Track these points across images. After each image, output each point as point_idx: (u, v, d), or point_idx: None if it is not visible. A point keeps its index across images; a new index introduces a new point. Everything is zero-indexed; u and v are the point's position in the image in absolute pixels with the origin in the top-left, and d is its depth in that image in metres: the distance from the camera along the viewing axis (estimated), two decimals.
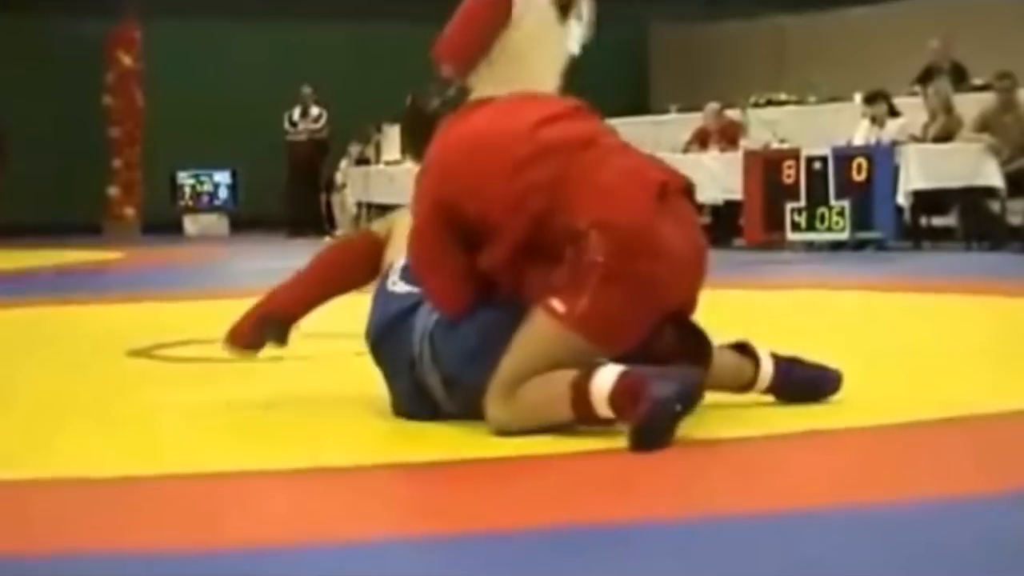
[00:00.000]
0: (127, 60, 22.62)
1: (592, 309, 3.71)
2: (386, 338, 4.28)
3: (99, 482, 3.51)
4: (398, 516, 3.21)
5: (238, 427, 4.28)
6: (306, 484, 3.49)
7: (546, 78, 4.44)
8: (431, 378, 4.03)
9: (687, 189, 3.97)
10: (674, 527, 2.94)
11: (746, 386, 4.18)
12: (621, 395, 3.59)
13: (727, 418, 4.06)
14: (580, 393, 3.65)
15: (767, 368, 4.15)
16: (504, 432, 3.77)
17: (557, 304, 3.74)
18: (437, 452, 3.71)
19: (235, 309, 4.85)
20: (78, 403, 4.88)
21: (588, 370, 3.67)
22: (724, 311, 5.14)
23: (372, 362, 4.38)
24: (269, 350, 4.83)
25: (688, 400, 3.59)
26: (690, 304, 4.00)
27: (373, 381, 4.31)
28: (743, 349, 4.18)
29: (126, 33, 22.55)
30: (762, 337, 4.33)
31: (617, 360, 3.73)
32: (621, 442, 3.58)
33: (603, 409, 3.64)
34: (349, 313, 4.70)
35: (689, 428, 3.65)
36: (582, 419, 3.69)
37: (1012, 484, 3.29)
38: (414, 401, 4.13)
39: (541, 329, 3.78)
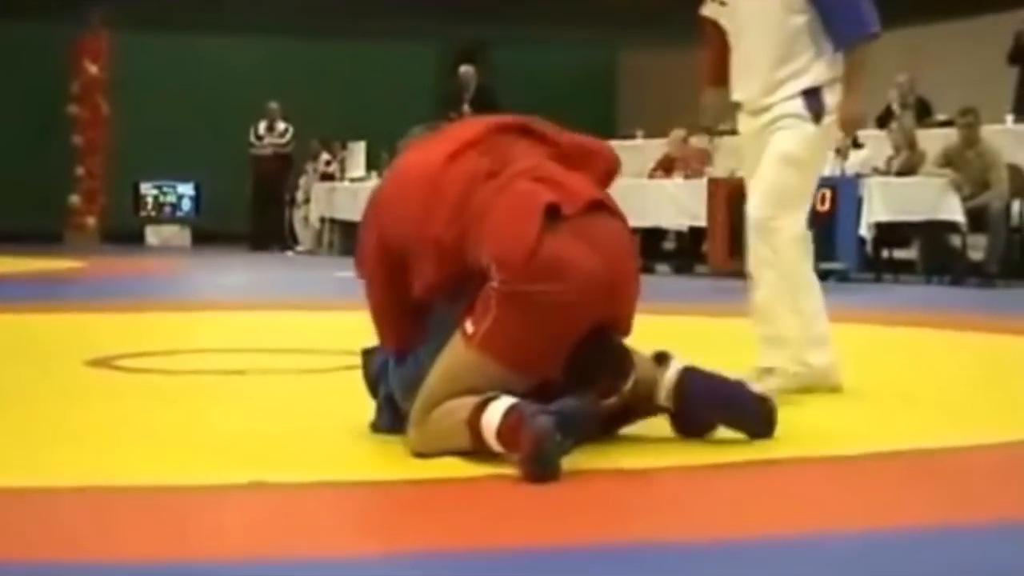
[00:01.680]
0: (93, 69, 22.54)
1: (495, 330, 3.75)
2: (368, 352, 4.34)
3: (58, 492, 3.48)
4: (357, 533, 3.19)
5: (197, 440, 4.26)
6: (265, 499, 3.47)
7: None
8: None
9: (600, 205, 3.92)
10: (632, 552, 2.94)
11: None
12: (507, 431, 3.61)
13: (669, 448, 4.06)
14: (473, 428, 3.68)
15: (669, 374, 4.01)
16: (419, 455, 3.81)
17: (468, 326, 3.82)
18: (401, 471, 3.70)
19: (195, 321, 4.81)
20: (36, 413, 4.84)
21: (482, 403, 3.69)
22: (682, 338, 5.15)
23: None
24: (230, 364, 4.80)
25: (569, 428, 3.56)
26: (618, 322, 3.94)
27: (336, 397, 4.30)
28: (661, 359, 4.09)
29: (93, 42, 22.48)
30: (718, 366, 4.34)
31: (540, 387, 3.76)
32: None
33: (494, 444, 3.66)
34: (313, 329, 4.66)
35: (622, 457, 3.64)
36: (480, 451, 3.70)
37: (969, 516, 3.30)
38: (380, 414, 4.20)
39: (454, 351, 3.84)
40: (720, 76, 5.33)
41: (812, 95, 5.05)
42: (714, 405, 4.04)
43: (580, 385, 3.80)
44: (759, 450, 4.01)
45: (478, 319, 3.79)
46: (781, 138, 5.08)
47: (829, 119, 5.10)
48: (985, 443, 4.29)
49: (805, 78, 5.06)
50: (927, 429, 4.56)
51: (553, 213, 3.79)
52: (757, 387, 4.25)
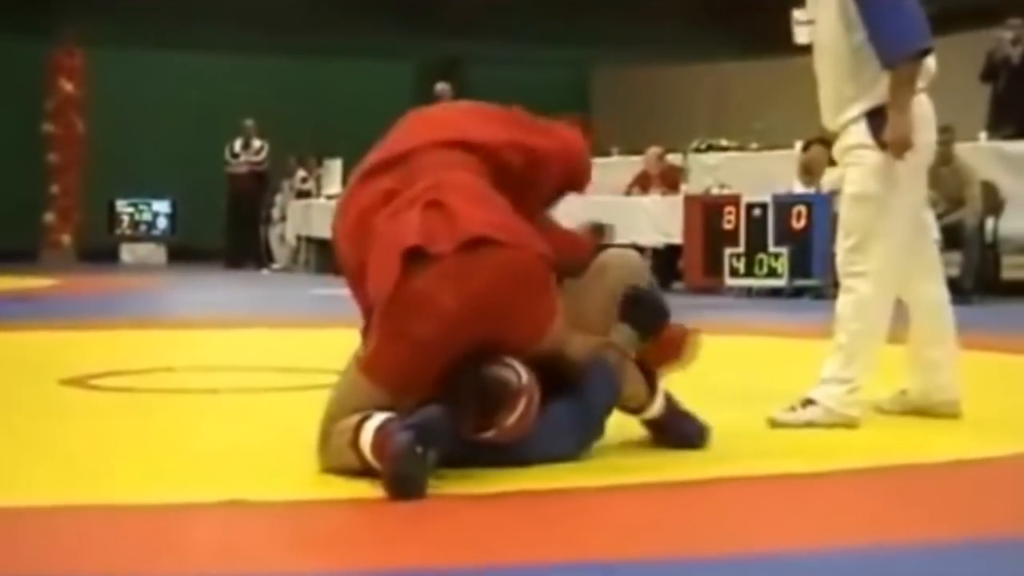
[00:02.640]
0: (68, 87, 22.51)
1: (375, 355, 3.91)
2: None
3: (29, 511, 3.47)
4: (320, 551, 3.18)
5: (171, 459, 4.24)
6: (236, 517, 3.46)
7: None
8: None
9: (480, 241, 3.85)
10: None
11: (634, 409, 4.30)
12: (376, 448, 3.68)
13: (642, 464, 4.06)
14: (355, 445, 3.76)
15: (659, 402, 4.28)
16: (327, 471, 3.89)
17: (360, 349, 4.01)
18: (362, 490, 3.69)
19: (169, 340, 4.80)
20: (9, 431, 4.82)
21: (360, 422, 3.77)
22: None
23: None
24: (205, 383, 4.79)
25: (429, 438, 3.60)
26: (508, 346, 3.91)
27: (310, 416, 4.28)
28: (649, 376, 4.27)
29: (68, 60, 22.45)
30: (695, 381, 4.34)
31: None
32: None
33: (372, 461, 3.71)
34: (289, 347, 4.65)
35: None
36: (366, 469, 3.73)
37: (941, 533, 3.31)
38: None
39: (349, 372, 4.01)
40: None
41: (876, 117, 4.91)
42: (676, 443, 4.31)
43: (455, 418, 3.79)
44: (737, 466, 4.01)
45: (367, 344, 3.97)
46: (850, 176, 5.01)
47: None
48: (967, 458, 4.32)
49: (869, 97, 4.94)
50: (910, 445, 4.58)
51: (419, 253, 3.83)
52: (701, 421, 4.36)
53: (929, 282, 5.22)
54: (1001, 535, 3.33)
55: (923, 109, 5.00)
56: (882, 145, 4.89)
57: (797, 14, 5.36)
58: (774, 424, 4.83)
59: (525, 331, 3.94)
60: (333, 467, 3.88)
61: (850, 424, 4.83)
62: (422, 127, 4.26)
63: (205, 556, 3.09)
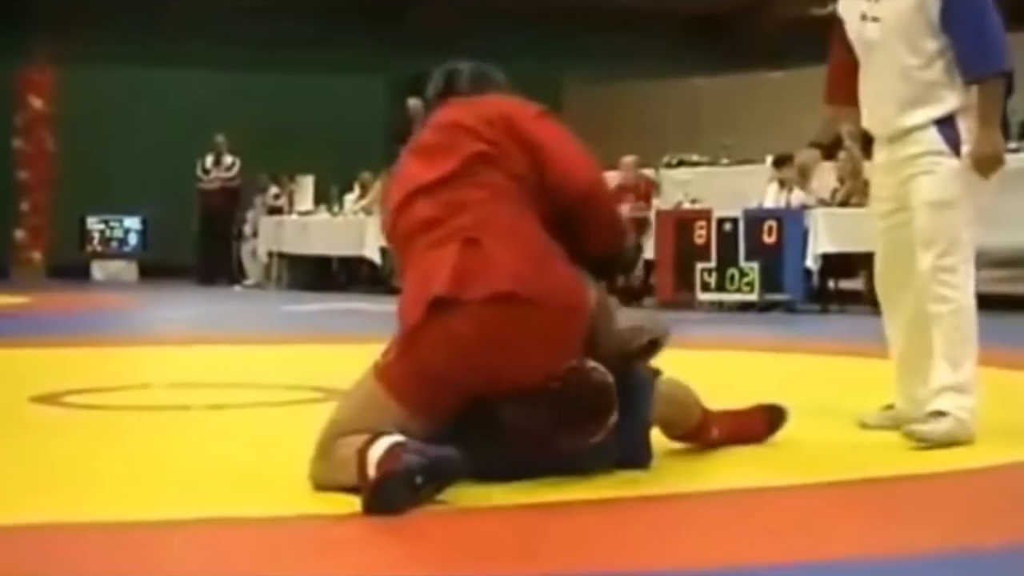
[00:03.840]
0: (38, 103, 22.45)
1: (392, 365, 3.94)
2: None
3: (2, 529, 3.45)
4: (298, 567, 3.18)
5: (143, 476, 4.23)
6: (212, 534, 3.45)
7: None
8: None
9: (505, 297, 3.89)
10: None
11: (690, 432, 4.52)
12: (381, 464, 3.64)
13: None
14: (361, 460, 3.70)
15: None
16: (318, 487, 3.86)
17: (380, 357, 4.00)
18: (346, 506, 3.69)
19: (141, 356, 4.79)
20: None
21: (374, 437, 3.72)
22: None
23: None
24: (177, 399, 4.78)
25: (432, 475, 3.59)
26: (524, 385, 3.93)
27: (283, 431, 4.28)
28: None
29: (37, 76, 22.39)
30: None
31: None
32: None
33: (373, 474, 3.66)
34: (261, 363, 4.65)
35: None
36: (363, 485, 3.69)
37: (917, 546, 3.32)
38: None
39: (364, 379, 4.00)
40: (841, 96, 5.24)
41: (947, 124, 4.88)
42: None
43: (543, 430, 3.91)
44: (691, 478, 4.02)
45: (387, 353, 3.98)
46: (926, 185, 4.91)
47: (968, 147, 4.91)
48: (947, 470, 4.34)
49: (940, 104, 4.89)
50: (873, 457, 4.59)
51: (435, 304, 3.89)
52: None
53: (920, 297, 5.14)
54: (988, 546, 3.34)
55: (972, 124, 4.95)
56: (957, 153, 4.86)
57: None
58: (914, 436, 4.73)
59: (535, 377, 3.94)
60: (328, 481, 3.82)
61: (969, 438, 4.78)
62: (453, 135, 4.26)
63: (179, 572, 3.08)
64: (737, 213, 13.39)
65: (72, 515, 3.63)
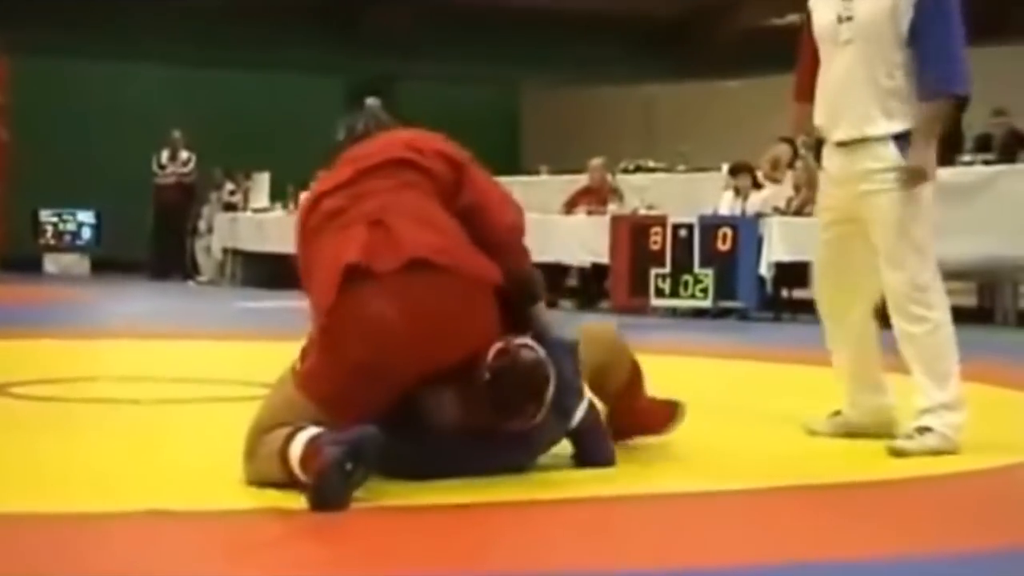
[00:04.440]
0: None
1: (313, 371, 3.91)
2: None
3: None
4: (240, 561, 3.18)
5: (89, 468, 4.22)
6: (155, 526, 3.44)
7: None
8: None
9: (422, 263, 3.90)
10: None
11: (622, 388, 4.57)
12: (304, 461, 3.67)
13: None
14: (283, 458, 3.73)
15: (580, 413, 4.28)
16: (252, 483, 3.86)
17: (297, 363, 3.97)
18: (284, 500, 3.69)
19: (93, 349, 4.77)
20: None
21: (291, 434, 3.75)
22: None
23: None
24: (127, 392, 4.76)
25: (359, 457, 3.60)
26: (444, 368, 3.94)
27: (231, 427, 4.27)
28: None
29: None
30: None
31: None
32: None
33: (300, 474, 3.69)
34: (213, 359, 4.64)
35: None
36: (292, 481, 3.71)
37: (866, 551, 3.35)
38: None
39: (283, 385, 3.99)
40: (811, 94, 5.19)
41: (904, 140, 4.88)
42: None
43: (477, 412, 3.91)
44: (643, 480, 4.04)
45: (304, 358, 3.96)
46: (886, 204, 4.90)
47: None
48: (908, 476, 4.37)
49: (901, 119, 4.89)
50: (819, 464, 4.62)
51: (361, 271, 3.87)
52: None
53: (868, 306, 5.19)
54: (949, 551, 3.37)
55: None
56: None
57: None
58: (899, 454, 4.73)
59: (460, 352, 3.93)
60: (258, 479, 3.85)
61: (954, 450, 4.78)
62: (380, 146, 4.28)
63: (121, 564, 3.07)
64: (692, 220, 13.43)
65: (15, 505, 3.62)
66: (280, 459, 3.73)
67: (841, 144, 5.06)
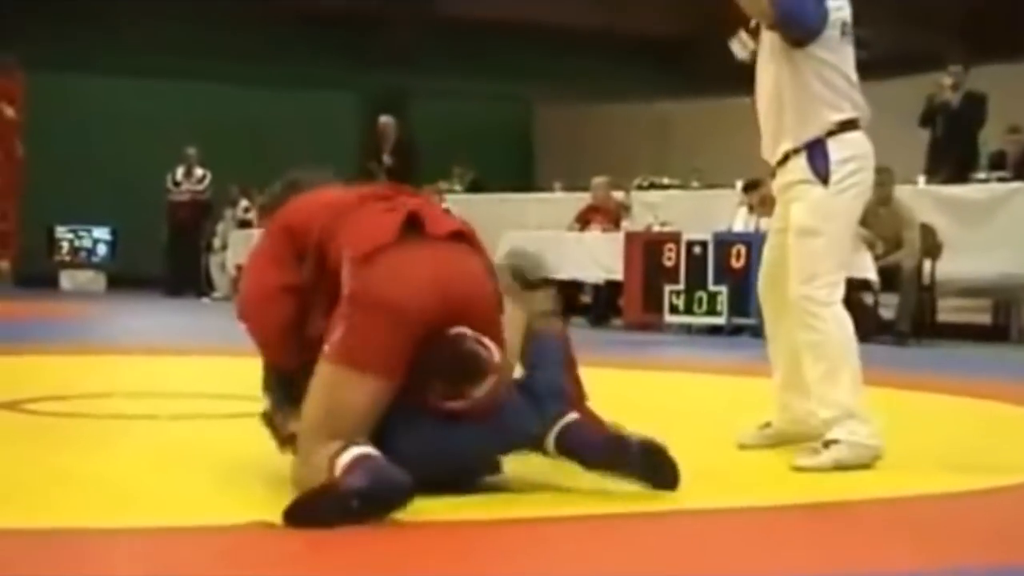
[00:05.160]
0: (8, 111, 22.36)
1: (348, 336, 3.88)
2: None
3: None
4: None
5: (104, 484, 4.22)
6: (168, 542, 3.45)
7: None
8: None
9: (462, 236, 4.14)
10: None
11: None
12: (346, 470, 3.68)
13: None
14: (332, 468, 3.72)
15: (553, 432, 4.13)
16: (298, 488, 3.79)
17: (326, 346, 3.93)
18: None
19: (107, 366, 4.79)
20: None
21: (344, 446, 3.74)
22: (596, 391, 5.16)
23: None
24: (142, 409, 4.77)
25: (370, 502, 3.59)
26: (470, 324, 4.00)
27: (246, 442, 4.29)
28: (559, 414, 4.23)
29: (8, 84, 22.30)
30: (635, 416, 4.36)
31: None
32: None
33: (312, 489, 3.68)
34: (227, 374, 4.64)
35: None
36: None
37: (879, 568, 3.34)
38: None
39: (319, 373, 3.94)
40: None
41: (816, 150, 4.91)
42: (593, 458, 4.11)
43: (422, 388, 3.95)
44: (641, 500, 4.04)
45: (331, 334, 3.91)
46: (795, 211, 4.95)
47: (840, 174, 4.91)
48: (906, 495, 4.36)
49: (808, 127, 4.91)
50: (831, 481, 4.62)
51: (416, 227, 4.02)
52: (645, 437, 4.12)
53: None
54: (960, 568, 3.37)
55: (862, 148, 5.01)
56: (823, 180, 4.88)
57: (743, 34, 5.22)
58: (801, 470, 4.72)
59: (478, 324, 4.00)
60: (306, 485, 3.77)
61: (867, 461, 4.76)
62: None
63: None
64: (706, 236, 13.44)
65: (27, 521, 3.63)
66: (329, 467, 3.71)
67: (775, 163, 5.10)
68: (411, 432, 3.96)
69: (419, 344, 3.91)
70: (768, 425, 5.26)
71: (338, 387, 3.88)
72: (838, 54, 4.98)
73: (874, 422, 4.83)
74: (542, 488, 4.14)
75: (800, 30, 4.92)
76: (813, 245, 4.92)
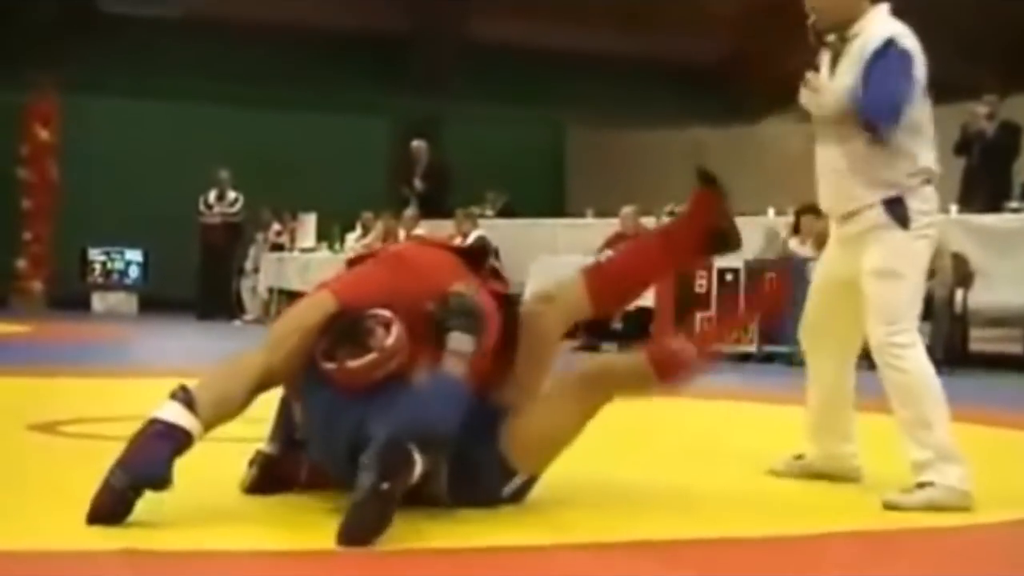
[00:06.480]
0: (44, 133, 22.48)
1: (354, 278, 4.45)
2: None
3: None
4: None
5: (138, 506, 4.23)
6: (199, 566, 3.46)
7: None
8: None
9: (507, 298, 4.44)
10: None
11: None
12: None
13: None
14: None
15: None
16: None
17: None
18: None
19: (139, 388, 4.82)
20: None
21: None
22: (614, 417, 5.15)
23: None
24: None
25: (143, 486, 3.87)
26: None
27: None
28: None
29: (44, 106, 22.43)
30: (662, 442, 4.36)
31: None
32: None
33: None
34: (257, 399, 4.65)
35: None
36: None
37: None
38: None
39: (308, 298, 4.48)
40: None
41: (895, 203, 4.88)
42: None
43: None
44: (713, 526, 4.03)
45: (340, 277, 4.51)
46: (874, 255, 4.89)
47: (920, 222, 4.89)
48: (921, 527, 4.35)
49: (882, 187, 4.89)
50: (860, 511, 4.60)
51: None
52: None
53: (841, 351, 5.25)
54: None
55: (934, 203, 4.99)
56: (903, 224, 4.84)
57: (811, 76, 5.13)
58: (894, 508, 4.65)
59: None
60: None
61: (961, 505, 4.67)
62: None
63: None
64: (738, 263, 13.41)
65: (59, 543, 3.64)
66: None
67: (838, 219, 5.12)
68: (314, 394, 4.22)
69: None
70: (801, 457, 5.27)
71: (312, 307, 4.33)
72: (918, 113, 4.98)
73: (965, 465, 4.77)
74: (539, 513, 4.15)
75: (893, 123, 4.88)
76: (895, 288, 4.88)
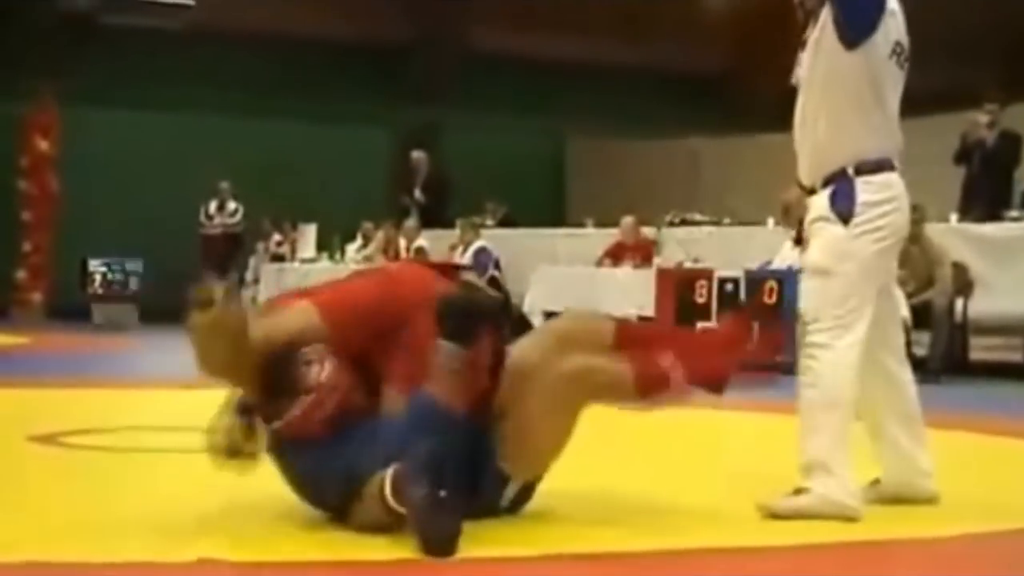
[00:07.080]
0: (43, 145, 22.46)
1: (340, 293, 4.37)
2: None
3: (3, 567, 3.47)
4: None
5: (137, 517, 4.24)
6: None
7: None
8: None
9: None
10: None
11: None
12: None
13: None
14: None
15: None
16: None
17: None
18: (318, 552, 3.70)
19: (139, 399, 4.81)
20: None
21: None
22: (607, 426, 5.15)
23: None
24: (174, 442, 4.78)
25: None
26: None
27: (271, 477, 4.29)
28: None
29: (44, 117, 22.43)
30: (655, 454, 4.36)
31: None
32: None
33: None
34: None
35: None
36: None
37: None
38: None
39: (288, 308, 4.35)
40: None
41: (842, 189, 4.62)
42: None
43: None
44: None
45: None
46: (812, 247, 4.73)
47: (865, 216, 4.62)
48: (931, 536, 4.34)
49: (838, 155, 4.64)
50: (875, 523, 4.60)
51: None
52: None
53: (892, 361, 4.97)
54: None
55: (895, 190, 4.71)
56: (844, 220, 4.59)
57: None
58: (765, 511, 4.53)
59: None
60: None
61: (837, 515, 4.50)
62: None
63: None
64: (738, 273, 13.41)
65: (61, 554, 3.64)
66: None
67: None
68: (295, 459, 4.14)
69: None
70: (878, 482, 4.96)
71: (295, 317, 4.25)
72: (884, 76, 4.68)
73: (845, 478, 4.57)
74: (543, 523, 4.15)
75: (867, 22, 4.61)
76: (822, 285, 4.69)
